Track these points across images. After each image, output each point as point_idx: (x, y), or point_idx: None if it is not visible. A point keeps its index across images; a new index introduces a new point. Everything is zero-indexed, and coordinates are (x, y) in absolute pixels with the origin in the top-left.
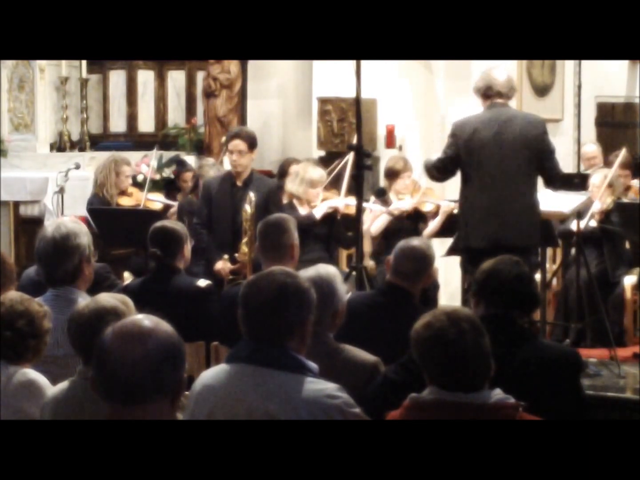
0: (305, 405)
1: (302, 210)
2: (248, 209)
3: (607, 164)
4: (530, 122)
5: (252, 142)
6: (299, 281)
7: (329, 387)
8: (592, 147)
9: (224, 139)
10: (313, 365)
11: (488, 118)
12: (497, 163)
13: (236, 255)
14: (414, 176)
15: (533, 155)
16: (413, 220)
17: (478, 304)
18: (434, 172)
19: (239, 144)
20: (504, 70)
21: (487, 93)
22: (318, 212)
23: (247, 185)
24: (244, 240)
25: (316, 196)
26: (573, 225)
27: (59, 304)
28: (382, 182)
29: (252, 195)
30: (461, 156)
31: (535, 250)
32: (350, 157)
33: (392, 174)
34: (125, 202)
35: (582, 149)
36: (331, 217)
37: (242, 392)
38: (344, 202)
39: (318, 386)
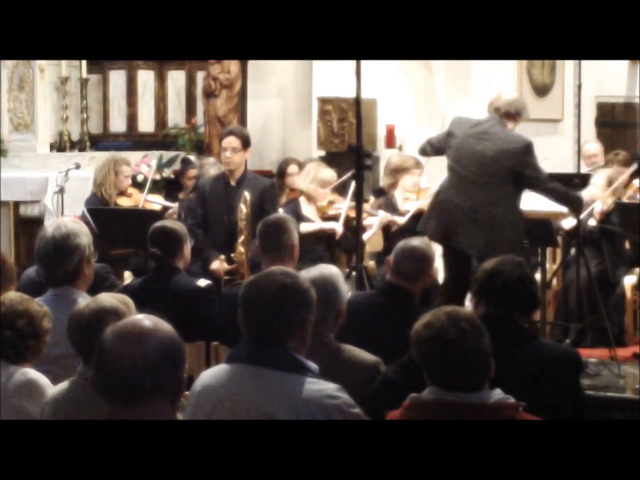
0: (305, 405)
1: (307, 208)
2: (244, 208)
3: (606, 163)
4: (510, 139)
5: (245, 141)
6: (299, 281)
7: (329, 387)
8: (594, 146)
9: None
10: (313, 365)
11: (478, 127)
12: (470, 171)
13: (232, 255)
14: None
15: (506, 170)
16: (415, 221)
17: (478, 304)
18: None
19: (232, 141)
20: (514, 93)
21: (488, 109)
22: (305, 228)
23: (241, 185)
24: (240, 239)
25: (324, 196)
26: (564, 223)
27: (59, 304)
28: (381, 181)
29: (247, 194)
30: (447, 152)
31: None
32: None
33: (402, 170)
34: (124, 202)
35: (583, 147)
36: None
37: (242, 392)
38: (341, 227)
39: (318, 386)
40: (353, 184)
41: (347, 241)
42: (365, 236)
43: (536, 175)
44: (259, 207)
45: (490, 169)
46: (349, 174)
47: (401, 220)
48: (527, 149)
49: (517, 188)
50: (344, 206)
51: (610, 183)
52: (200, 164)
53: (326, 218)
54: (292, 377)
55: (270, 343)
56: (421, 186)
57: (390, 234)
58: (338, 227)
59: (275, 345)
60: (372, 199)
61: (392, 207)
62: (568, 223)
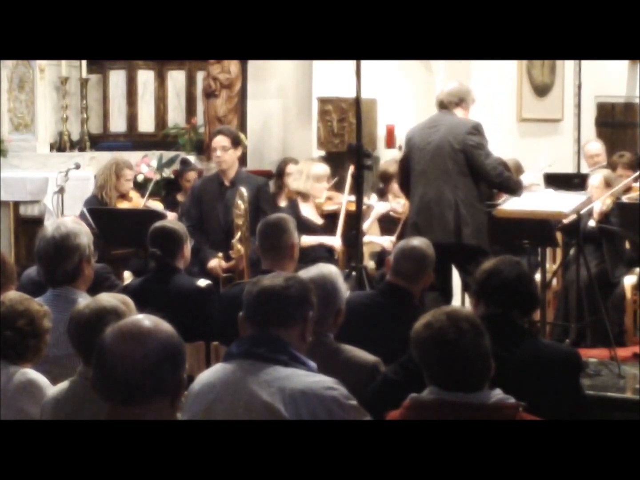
0: (303, 396)
1: (306, 208)
2: (241, 204)
3: (610, 164)
4: (457, 123)
5: (234, 139)
6: (306, 280)
7: (326, 379)
8: (596, 145)
9: None
10: (312, 363)
11: (422, 124)
12: (423, 162)
13: (230, 252)
14: None
15: (457, 152)
16: None
17: (478, 304)
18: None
19: (221, 140)
20: (455, 82)
21: (436, 106)
22: (306, 241)
23: (235, 184)
24: (237, 236)
25: (321, 191)
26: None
27: (59, 304)
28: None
29: (243, 190)
30: (410, 163)
31: (466, 250)
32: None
33: (387, 177)
34: (123, 206)
35: (585, 147)
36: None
37: (239, 385)
38: (339, 242)
39: (315, 378)
40: (349, 180)
41: (348, 236)
42: (363, 225)
43: (482, 153)
44: (255, 206)
45: (443, 156)
46: (337, 178)
47: (399, 208)
48: (474, 129)
49: (474, 180)
50: (340, 215)
51: (608, 183)
52: (206, 167)
53: (325, 215)
54: (290, 370)
55: (268, 335)
56: None
57: (390, 233)
58: (337, 243)
59: (273, 336)
60: (374, 197)
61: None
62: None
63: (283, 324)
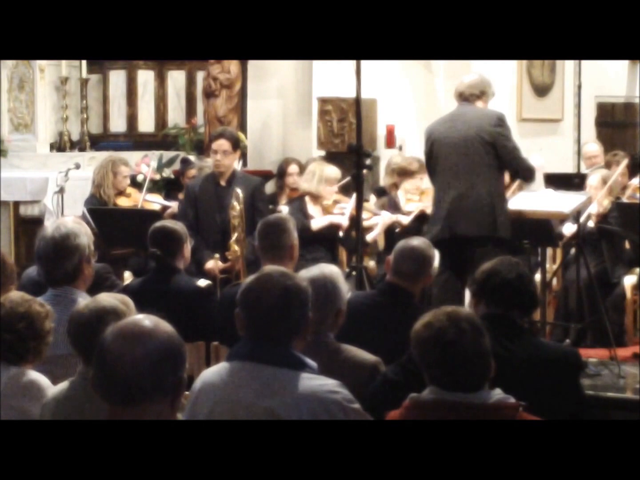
0: (305, 400)
1: (313, 208)
2: (237, 205)
3: (605, 164)
4: (482, 115)
5: (235, 143)
6: (299, 281)
7: (329, 382)
8: (594, 147)
9: None
10: (312, 363)
11: (444, 118)
12: (452, 156)
13: (226, 253)
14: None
15: (487, 145)
16: (418, 222)
17: (478, 304)
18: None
19: (223, 144)
20: (475, 74)
21: (455, 97)
22: (316, 224)
23: (231, 184)
24: (234, 237)
25: (331, 194)
26: (565, 229)
27: (59, 304)
28: (382, 181)
29: (239, 190)
30: (432, 158)
31: (496, 242)
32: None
33: (405, 174)
34: (122, 202)
35: (583, 148)
36: (333, 230)
37: (242, 388)
38: (347, 220)
39: (318, 382)
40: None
41: (349, 241)
42: (369, 237)
43: (512, 145)
44: (250, 205)
45: (473, 148)
46: (348, 178)
47: (405, 220)
48: (500, 120)
49: (500, 170)
50: (349, 204)
51: (606, 183)
52: (200, 165)
53: (319, 229)
54: (293, 373)
55: (273, 342)
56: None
57: (392, 233)
58: (344, 221)
59: (278, 344)
60: (373, 198)
61: (394, 207)
62: (568, 229)
63: (288, 334)
